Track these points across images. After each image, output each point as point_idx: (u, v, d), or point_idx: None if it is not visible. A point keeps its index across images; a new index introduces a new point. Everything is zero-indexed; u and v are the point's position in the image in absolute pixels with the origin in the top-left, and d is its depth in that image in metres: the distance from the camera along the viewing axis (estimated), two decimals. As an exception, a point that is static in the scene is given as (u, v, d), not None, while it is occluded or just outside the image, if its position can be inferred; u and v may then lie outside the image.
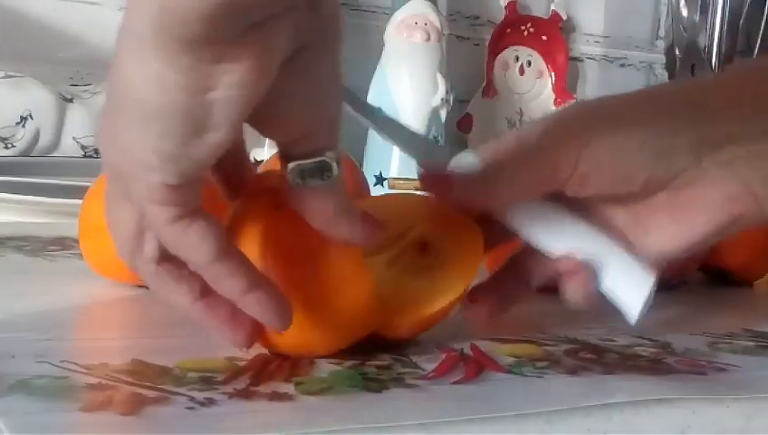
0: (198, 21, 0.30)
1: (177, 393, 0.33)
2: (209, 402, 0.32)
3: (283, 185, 0.37)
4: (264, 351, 0.39)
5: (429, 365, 0.39)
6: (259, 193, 0.39)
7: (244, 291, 0.36)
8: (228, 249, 0.36)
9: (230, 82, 0.32)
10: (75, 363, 0.36)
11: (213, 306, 0.37)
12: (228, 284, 0.36)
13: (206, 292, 0.37)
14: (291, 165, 0.36)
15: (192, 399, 0.32)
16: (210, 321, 0.37)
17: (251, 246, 0.38)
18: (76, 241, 0.52)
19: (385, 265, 0.42)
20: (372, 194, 0.57)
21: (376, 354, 0.40)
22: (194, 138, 0.33)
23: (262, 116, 0.35)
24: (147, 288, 0.49)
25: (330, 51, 0.36)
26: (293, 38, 0.34)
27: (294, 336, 0.37)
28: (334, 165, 0.36)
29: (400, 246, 0.43)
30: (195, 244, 0.35)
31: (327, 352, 0.39)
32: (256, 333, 0.38)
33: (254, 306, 0.36)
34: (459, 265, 0.43)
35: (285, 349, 0.39)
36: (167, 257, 0.36)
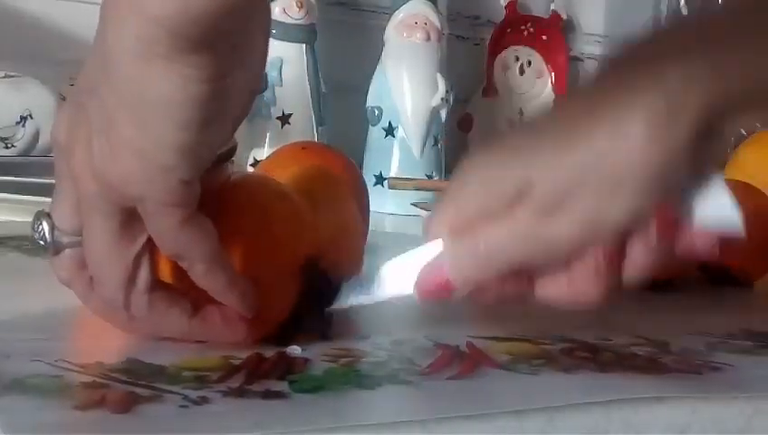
0: (207, 26, 0.32)
1: (170, 392, 0.33)
2: (203, 401, 0.32)
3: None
4: (259, 350, 0.39)
5: (424, 361, 0.39)
6: None
7: (229, 286, 0.37)
8: (219, 247, 0.37)
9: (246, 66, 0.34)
10: (70, 362, 0.36)
11: (207, 318, 0.38)
12: (218, 279, 0.37)
13: (195, 308, 0.38)
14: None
15: (186, 397, 0.32)
16: (210, 331, 0.38)
17: None
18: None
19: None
20: (372, 194, 0.57)
21: (370, 351, 0.40)
22: (212, 124, 0.34)
23: None
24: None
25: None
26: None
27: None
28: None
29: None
30: (198, 243, 0.36)
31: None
32: (247, 322, 0.39)
33: (237, 299, 0.37)
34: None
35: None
36: (157, 285, 0.37)
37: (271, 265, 0.40)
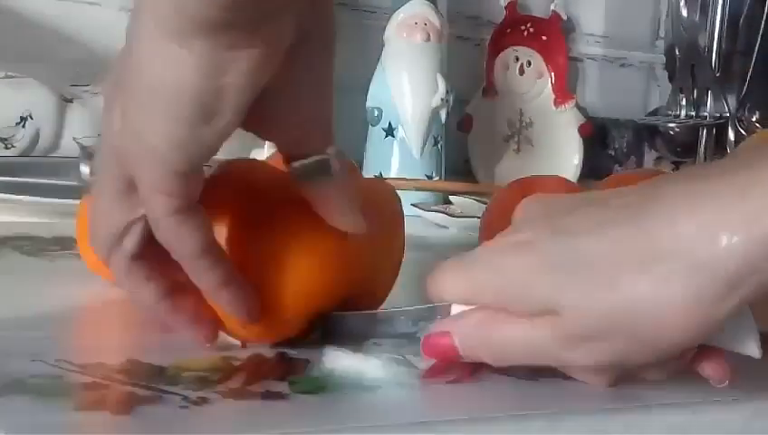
0: (218, 7, 0.32)
1: (170, 392, 0.33)
2: (202, 401, 0.32)
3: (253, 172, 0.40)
4: (260, 351, 0.39)
5: (424, 364, 0.39)
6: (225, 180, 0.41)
7: (221, 285, 0.37)
8: (213, 244, 0.37)
9: (241, 69, 0.33)
10: (70, 363, 0.36)
11: (177, 307, 0.38)
12: (207, 276, 0.37)
13: (171, 292, 0.38)
14: (294, 164, 0.38)
15: (185, 398, 0.32)
16: (173, 320, 0.39)
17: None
18: (75, 241, 0.52)
19: None
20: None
21: (371, 353, 0.40)
22: (204, 123, 0.34)
23: (262, 117, 0.36)
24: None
25: (328, 47, 0.37)
26: (296, 31, 0.35)
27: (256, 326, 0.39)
28: (334, 162, 0.38)
29: None
30: (187, 236, 0.36)
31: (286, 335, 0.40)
32: (216, 331, 0.39)
33: (228, 300, 0.37)
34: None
35: (250, 337, 0.40)
36: (141, 255, 0.37)
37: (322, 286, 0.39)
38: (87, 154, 0.39)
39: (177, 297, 0.38)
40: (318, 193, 0.38)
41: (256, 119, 0.36)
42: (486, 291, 0.37)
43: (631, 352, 0.35)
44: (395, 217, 0.46)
